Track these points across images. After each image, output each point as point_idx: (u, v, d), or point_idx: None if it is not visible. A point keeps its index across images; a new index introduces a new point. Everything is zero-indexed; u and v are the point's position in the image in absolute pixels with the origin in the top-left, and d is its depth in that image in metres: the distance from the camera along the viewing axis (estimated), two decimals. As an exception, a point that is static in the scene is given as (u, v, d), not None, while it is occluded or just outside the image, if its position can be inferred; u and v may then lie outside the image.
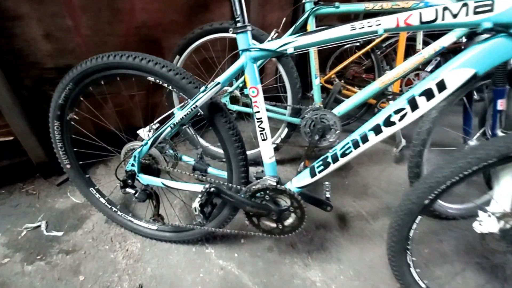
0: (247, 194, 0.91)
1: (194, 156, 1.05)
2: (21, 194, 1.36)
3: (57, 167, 1.16)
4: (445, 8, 0.58)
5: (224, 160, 0.98)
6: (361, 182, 1.53)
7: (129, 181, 0.97)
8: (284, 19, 1.38)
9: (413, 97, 0.67)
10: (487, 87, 1.17)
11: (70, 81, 0.91)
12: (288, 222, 0.92)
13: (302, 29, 1.38)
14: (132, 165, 0.96)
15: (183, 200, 1.29)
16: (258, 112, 0.82)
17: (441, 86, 0.64)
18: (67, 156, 1.08)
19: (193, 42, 1.38)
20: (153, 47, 1.51)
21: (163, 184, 0.98)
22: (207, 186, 0.91)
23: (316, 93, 1.44)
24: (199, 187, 0.93)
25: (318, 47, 0.76)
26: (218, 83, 0.81)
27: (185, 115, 0.84)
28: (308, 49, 0.76)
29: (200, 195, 0.88)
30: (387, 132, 0.72)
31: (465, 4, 0.57)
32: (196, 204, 0.86)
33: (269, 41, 0.83)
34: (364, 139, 0.74)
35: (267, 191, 0.89)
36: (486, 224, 0.81)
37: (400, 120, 0.69)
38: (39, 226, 1.20)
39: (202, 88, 0.81)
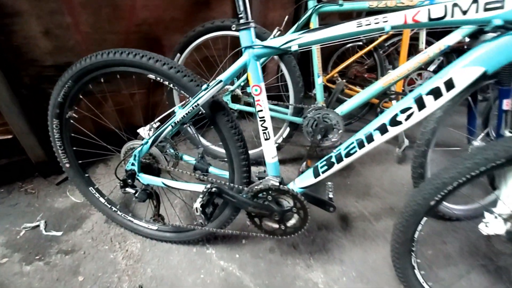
0: (249, 194, 0.90)
1: (195, 156, 1.03)
2: (20, 193, 1.35)
3: (57, 166, 1.14)
4: (454, 5, 0.57)
5: (225, 159, 0.97)
6: (363, 182, 1.51)
7: (129, 180, 0.96)
8: (287, 17, 1.36)
9: (420, 96, 0.65)
10: (490, 87, 1.16)
11: (69, 79, 0.89)
12: (291, 223, 0.91)
13: (305, 28, 1.36)
14: (132, 164, 0.95)
15: (184, 200, 1.28)
16: (261, 111, 0.80)
17: (449, 84, 0.62)
18: (66, 155, 1.07)
19: (194, 40, 1.36)
20: (154, 45, 1.50)
21: (163, 183, 0.97)
22: (208, 186, 0.89)
23: (318, 92, 1.42)
24: (200, 187, 0.91)
25: (321, 45, 0.74)
26: (220, 81, 0.79)
27: (186, 114, 0.83)
28: (312, 47, 0.75)
29: (201, 195, 0.87)
30: (393, 131, 0.70)
31: (475, 1, 0.55)
32: (197, 204, 0.85)
33: (271, 39, 0.82)
34: (370, 138, 0.73)
35: (270, 192, 0.87)
36: (493, 225, 0.80)
37: (406, 119, 0.68)
38: (38, 225, 1.19)
39: (204, 86, 0.79)
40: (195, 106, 0.81)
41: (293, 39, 0.72)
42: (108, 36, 1.34)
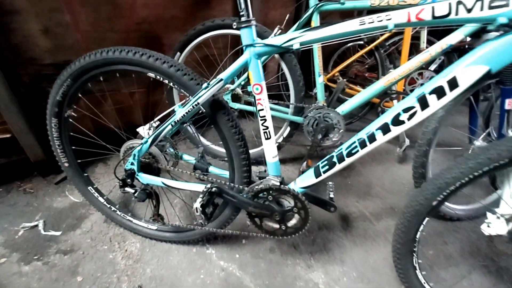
0: (249, 194, 0.89)
1: (195, 155, 1.03)
2: (19, 193, 1.34)
3: (55, 166, 1.13)
4: (459, 2, 0.56)
5: (226, 159, 0.96)
6: (364, 182, 1.51)
7: (129, 180, 0.96)
8: (287, 16, 1.36)
9: (423, 95, 0.64)
10: (492, 86, 1.15)
11: (68, 77, 0.88)
12: (292, 223, 0.90)
13: (306, 26, 1.34)
14: (132, 163, 0.94)
15: (184, 199, 1.27)
16: (262, 110, 0.80)
17: (453, 83, 0.61)
18: (65, 154, 1.06)
19: (195, 38, 1.36)
20: (154, 43, 1.49)
21: (163, 183, 0.96)
22: (208, 185, 0.88)
23: (319, 91, 1.41)
24: (200, 187, 0.91)
25: (323, 44, 0.73)
26: (221, 79, 0.79)
27: (186, 113, 0.82)
28: (313, 45, 0.74)
29: (201, 195, 0.86)
30: (395, 131, 0.69)
31: (480, -2, 0.55)
32: (197, 204, 0.84)
33: (272, 37, 0.81)
34: (372, 138, 0.72)
35: (270, 191, 0.87)
36: (495, 226, 0.79)
37: (409, 119, 0.67)
38: (37, 225, 1.18)
39: (204, 85, 0.79)
40: (195, 105, 0.80)
41: (295, 37, 0.71)
42: (108, 35, 1.33)
